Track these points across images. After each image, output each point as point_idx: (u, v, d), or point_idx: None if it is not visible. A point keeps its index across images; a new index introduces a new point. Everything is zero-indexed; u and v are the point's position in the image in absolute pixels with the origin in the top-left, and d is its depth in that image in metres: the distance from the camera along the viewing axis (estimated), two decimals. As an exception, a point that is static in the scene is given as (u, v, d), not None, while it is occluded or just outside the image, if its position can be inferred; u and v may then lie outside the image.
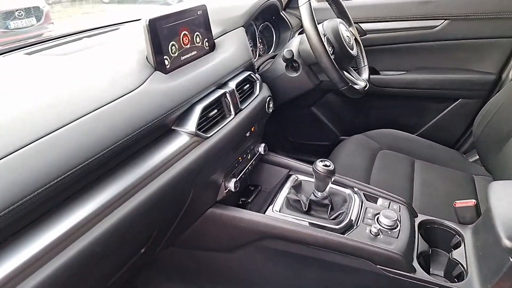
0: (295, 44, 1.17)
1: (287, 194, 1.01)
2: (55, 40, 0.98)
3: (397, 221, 0.87)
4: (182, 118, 0.79)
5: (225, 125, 0.88)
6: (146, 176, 0.66)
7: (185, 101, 0.78)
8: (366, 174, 1.27)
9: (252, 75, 1.05)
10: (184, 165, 0.73)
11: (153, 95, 0.72)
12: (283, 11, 1.45)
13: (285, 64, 1.16)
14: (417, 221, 0.93)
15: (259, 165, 1.20)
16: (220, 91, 0.88)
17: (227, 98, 0.90)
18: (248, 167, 1.06)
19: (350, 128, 1.80)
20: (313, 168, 0.90)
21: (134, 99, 0.68)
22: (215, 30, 1.06)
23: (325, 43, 1.04)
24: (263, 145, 1.13)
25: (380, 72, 1.66)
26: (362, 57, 1.31)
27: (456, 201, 0.89)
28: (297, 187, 1.05)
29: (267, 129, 1.25)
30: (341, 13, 1.27)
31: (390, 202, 0.97)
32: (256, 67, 1.25)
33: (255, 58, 1.36)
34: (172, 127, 0.78)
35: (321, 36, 1.01)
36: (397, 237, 0.84)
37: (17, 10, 4.54)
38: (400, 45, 1.56)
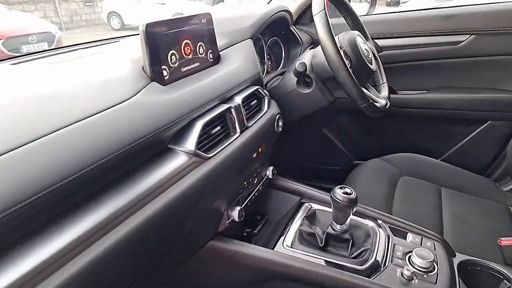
0: (307, 57, 1.10)
1: (300, 226, 0.90)
2: (48, 52, 0.91)
3: (434, 262, 0.75)
4: (180, 135, 0.70)
5: (229, 144, 0.79)
6: (134, 203, 0.56)
7: (184, 115, 0.69)
8: (387, 204, 1.16)
9: (260, 90, 0.97)
10: (180, 190, 0.64)
11: (146, 107, 0.64)
12: (293, 26, 1.39)
13: (296, 79, 1.08)
14: (456, 261, 0.81)
15: (266, 191, 1.09)
16: (225, 106, 0.80)
17: (232, 114, 0.82)
18: (255, 193, 0.96)
19: (364, 152, 1.70)
20: (331, 196, 0.80)
21: (123, 111, 0.60)
22: (220, 42, 0.99)
23: (343, 55, 0.96)
24: (271, 168, 1.03)
25: (397, 92, 1.58)
26: (381, 73, 1.23)
27: (501, 239, 0.77)
28: (311, 217, 0.94)
29: (275, 153, 1.16)
30: (358, 26, 1.21)
31: (422, 238, 0.86)
32: (264, 84, 1.18)
33: (262, 74, 1.29)
34: (169, 146, 0.69)
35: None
36: (435, 283, 0.72)
37: (30, 35, 4.71)
38: (420, 63, 1.49)
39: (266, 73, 1.31)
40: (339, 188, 0.81)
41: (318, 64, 1.05)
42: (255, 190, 0.97)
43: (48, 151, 0.48)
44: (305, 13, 1.56)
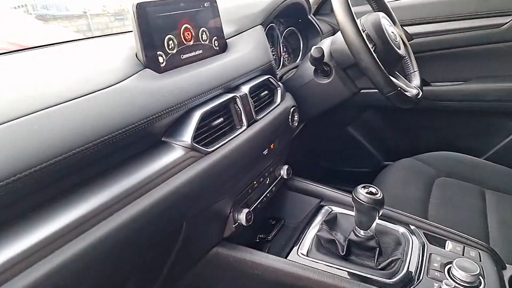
0: (326, 44, 1.00)
1: (318, 231, 0.80)
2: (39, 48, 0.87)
3: (480, 276, 0.63)
4: (176, 127, 0.62)
5: (234, 137, 0.71)
6: (117, 199, 0.49)
7: (178, 104, 0.62)
8: (422, 207, 1.03)
9: (272, 80, 0.88)
10: (173, 187, 0.56)
11: (134, 94, 0.57)
12: (311, 15, 1.30)
13: (313, 68, 0.98)
14: (507, 274, 0.68)
15: (282, 193, 1.00)
16: (229, 95, 0.72)
17: (237, 105, 0.74)
18: (267, 195, 0.87)
19: (395, 152, 1.57)
20: (353, 196, 0.69)
21: (107, 96, 0.53)
22: (228, 29, 0.92)
23: (365, 38, 0.86)
24: (286, 167, 0.93)
25: (431, 83, 1.44)
26: (411, 60, 1.11)
27: None
28: (331, 222, 0.84)
29: (293, 153, 1.06)
30: (383, 9, 1.10)
31: (464, 247, 0.73)
32: (278, 76, 1.09)
33: (278, 68, 1.20)
34: (163, 138, 0.61)
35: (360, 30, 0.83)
36: (482, 301, 0.59)
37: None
38: (455, 50, 1.34)
39: (282, 66, 1.22)
40: (362, 187, 0.70)
41: (338, 50, 0.95)
42: (267, 191, 0.87)
43: (21, 134, 0.42)
44: (326, 1, 1.46)
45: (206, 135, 0.67)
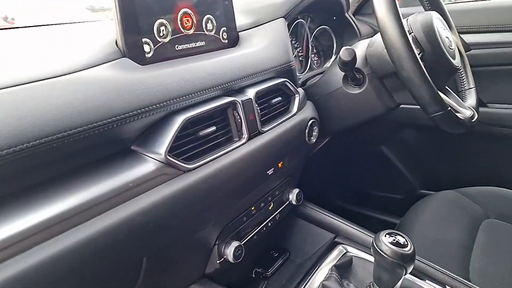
0: (361, 47, 0.84)
1: (325, 279, 0.64)
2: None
3: None
4: (149, 133, 0.50)
5: (227, 152, 0.57)
6: (56, 220, 0.37)
7: (156, 104, 0.49)
8: (463, 256, 0.85)
9: (289, 85, 0.74)
10: (128, 213, 0.43)
11: (99, 86, 0.45)
12: (349, 14, 1.14)
13: (343, 74, 0.82)
14: None
15: (291, 220, 0.85)
16: (226, 99, 0.59)
17: (237, 112, 0.60)
18: (267, 224, 0.72)
19: (435, 180, 1.37)
20: (373, 245, 0.53)
21: (61, 85, 0.42)
22: (245, 21, 0.79)
23: (411, 42, 0.69)
24: (296, 191, 0.78)
25: (487, 104, 1.23)
26: (467, 75, 0.92)
27: None
28: (344, 268, 0.68)
29: (311, 172, 0.90)
30: (438, 10, 0.92)
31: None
32: (301, 81, 0.94)
33: (304, 71, 1.05)
34: (132, 147, 0.49)
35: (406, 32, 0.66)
36: None
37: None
38: (522, 66, 1.13)
39: (308, 69, 1.07)
40: (387, 234, 0.54)
41: (374, 54, 0.79)
42: (269, 219, 0.73)
43: None
44: (368, 0, 1.29)
45: (190, 147, 0.54)
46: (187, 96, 0.53)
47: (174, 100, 0.52)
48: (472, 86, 0.91)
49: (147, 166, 0.48)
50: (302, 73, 1.04)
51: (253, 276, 0.77)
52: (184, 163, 0.51)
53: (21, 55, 0.49)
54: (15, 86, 0.39)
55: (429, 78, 0.66)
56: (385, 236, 0.54)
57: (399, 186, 1.44)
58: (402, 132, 1.38)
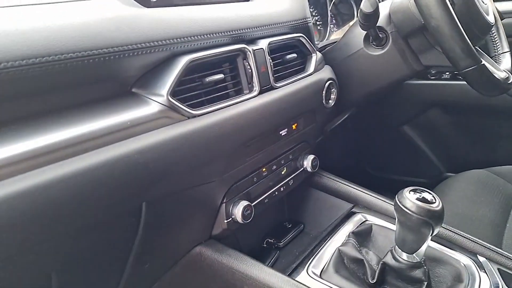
0: (384, 4, 0.78)
1: (342, 245, 0.59)
2: None
3: None
4: (151, 74, 0.47)
5: (237, 103, 0.53)
6: (48, 150, 0.35)
7: (158, 40, 0.46)
8: (495, 234, 0.78)
9: (305, 42, 0.69)
10: (128, 150, 0.40)
11: (98, 16, 0.42)
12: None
13: (364, 34, 0.77)
14: None
15: (306, 191, 0.80)
16: (236, 46, 0.55)
17: (248, 62, 0.56)
18: (280, 188, 0.68)
19: (463, 163, 1.29)
20: (396, 202, 0.48)
21: (56, 10, 0.40)
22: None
23: None
24: (311, 157, 0.73)
25: (522, 78, 1.14)
26: (501, 39, 0.85)
27: None
28: (363, 235, 0.63)
29: (332, 154, 0.85)
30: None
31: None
32: (319, 47, 0.89)
33: (322, 39, 1.00)
34: (133, 89, 0.46)
35: None
36: None
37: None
38: None
39: (327, 37, 1.02)
40: (412, 190, 0.49)
41: (399, 10, 0.73)
42: (282, 184, 0.68)
43: None
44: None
45: (196, 93, 0.50)
46: (191, 38, 0.50)
47: (177, 39, 0.48)
48: (506, 50, 0.84)
49: (148, 108, 0.44)
50: (320, 41, 0.99)
51: (265, 245, 0.73)
52: (189, 108, 0.47)
53: None
54: (5, 7, 0.36)
55: (461, 28, 0.60)
56: (410, 192, 0.49)
57: (423, 170, 1.36)
58: (427, 111, 1.30)
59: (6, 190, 0.31)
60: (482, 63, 0.63)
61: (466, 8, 0.68)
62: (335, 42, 0.95)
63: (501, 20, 1.09)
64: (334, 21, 1.09)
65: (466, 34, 0.69)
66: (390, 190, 1.39)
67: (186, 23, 0.50)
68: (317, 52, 0.81)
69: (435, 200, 0.48)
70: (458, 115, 1.27)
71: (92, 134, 0.38)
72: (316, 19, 1.01)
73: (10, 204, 0.32)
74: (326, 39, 1.01)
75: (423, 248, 0.51)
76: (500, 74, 0.73)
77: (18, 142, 0.34)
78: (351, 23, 1.08)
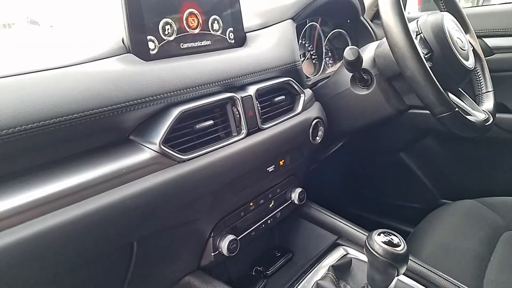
0: (370, 48, 0.83)
1: (321, 278, 0.64)
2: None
3: None
4: (147, 124, 0.53)
5: (224, 146, 0.59)
6: (48, 199, 0.41)
7: (153, 96, 0.52)
8: (479, 267, 0.81)
9: (293, 84, 0.75)
10: (121, 196, 0.46)
11: (99, 77, 0.48)
12: (365, 17, 1.13)
13: (350, 75, 0.82)
14: None
15: (295, 220, 0.85)
16: (225, 95, 0.60)
17: (236, 108, 0.62)
18: (267, 221, 0.73)
19: (457, 190, 1.31)
20: (365, 244, 0.53)
21: (63, 76, 0.46)
22: (253, 22, 0.82)
23: (416, 42, 0.69)
24: (298, 190, 0.78)
25: (513, 110, 1.17)
26: (485, 78, 0.89)
27: None
28: (342, 269, 0.67)
29: (328, 179, 0.90)
30: (453, 13, 0.89)
31: None
32: (312, 82, 0.95)
33: (317, 73, 1.06)
34: (130, 136, 0.52)
35: (411, 32, 0.66)
36: None
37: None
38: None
39: (322, 71, 1.07)
40: (381, 233, 0.53)
41: (382, 55, 0.78)
42: (269, 216, 0.73)
43: None
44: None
45: (187, 139, 0.56)
46: (185, 90, 0.56)
47: (172, 93, 0.54)
48: (490, 89, 0.88)
49: (142, 155, 0.50)
50: (314, 75, 1.05)
51: (253, 274, 0.78)
52: (179, 154, 0.53)
53: (35, 49, 0.54)
54: (19, 74, 0.42)
55: (434, 77, 0.65)
56: (378, 235, 0.53)
57: (418, 195, 1.39)
58: (423, 139, 1.33)
59: (13, 237, 0.37)
60: (456, 109, 0.67)
61: (444, 56, 0.73)
62: (329, 77, 1.01)
63: (491, 55, 1.14)
64: (330, 54, 1.15)
65: (445, 79, 0.74)
66: (387, 213, 1.43)
67: (180, 78, 0.56)
68: (308, 89, 0.86)
69: (401, 243, 0.52)
70: (453, 144, 1.31)
71: (90, 182, 0.44)
72: (312, 53, 1.07)
73: (16, 249, 0.37)
74: (321, 73, 1.07)
75: (392, 285, 0.55)
76: (479, 116, 0.78)
77: (22, 193, 0.39)
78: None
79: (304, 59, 1.04)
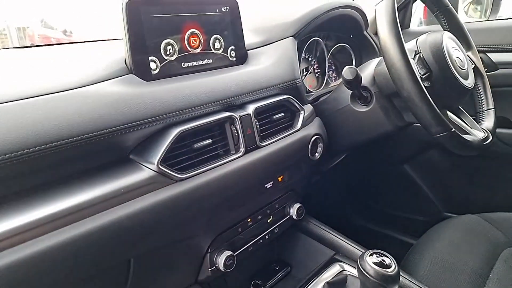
0: (371, 66, 0.84)
1: (316, 295, 0.65)
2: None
3: None
4: (146, 144, 0.54)
5: (222, 164, 0.60)
6: (47, 220, 0.43)
7: (152, 117, 0.54)
8: (475, 284, 0.80)
9: (293, 101, 0.76)
10: (119, 216, 0.48)
11: (102, 100, 0.51)
12: (368, 32, 1.14)
13: (350, 92, 0.83)
14: None
15: (294, 234, 0.86)
16: (224, 114, 0.62)
17: (235, 126, 0.63)
18: (265, 236, 0.74)
19: (461, 203, 1.30)
20: (358, 264, 0.54)
21: (65, 100, 0.48)
22: (255, 39, 0.83)
23: (413, 62, 0.69)
24: (297, 206, 0.79)
25: (518, 126, 1.16)
26: (486, 96, 0.89)
27: None
28: (337, 286, 0.67)
29: (330, 185, 0.91)
30: (456, 30, 0.90)
31: None
32: (314, 97, 0.96)
33: (320, 87, 1.07)
34: (130, 156, 0.54)
35: (407, 51, 0.67)
36: None
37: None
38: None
39: (324, 85, 1.08)
40: (373, 253, 0.54)
41: (381, 74, 0.79)
42: (267, 231, 0.74)
43: None
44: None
45: (186, 158, 0.57)
46: (183, 111, 0.57)
47: (171, 113, 0.56)
48: (490, 107, 0.88)
49: (140, 174, 0.52)
50: (317, 89, 1.06)
51: (252, 287, 0.79)
52: (176, 173, 0.54)
53: (37, 71, 0.55)
54: (21, 99, 0.44)
55: (430, 99, 0.66)
56: (371, 255, 0.54)
57: (422, 207, 1.38)
58: (427, 151, 1.33)
59: (12, 257, 0.39)
60: (452, 130, 0.67)
61: (442, 75, 0.74)
62: (331, 91, 1.02)
63: (495, 70, 1.14)
64: (333, 67, 1.16)
65: (443, 98, 0.75)
66: (391, 224, 1.42)
67: (179, 99, 0.58)
68: (309, 104, 0.88)
69: (392, 264, 0.53)
70: (457, 157, 1.30)
71: (88, 202, 0.46)
72: (315, 67, 1.08)
73: (15, 269, 0.39)
74: (324, 86, 1.08)
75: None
76: (477, 135, 0.78)
77: (22, 214, 0.41)
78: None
79: (307, 73, 1.05)
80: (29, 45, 0.86)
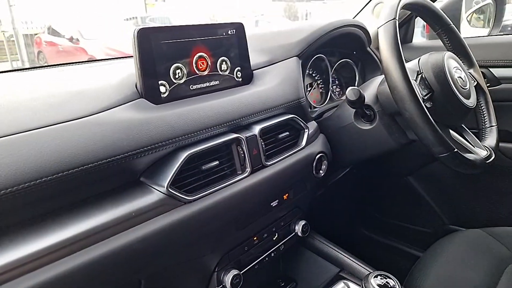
0: (374, 84, 0.86)
1: (321, 314, 0.66)
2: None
3: None
4: (156, 167, 0.56)
5: (229, 185, 0.62)
6: (61, 246, 0.44)
7: (162, 142, 0.56)
8: (479, 303, 0.80)
9: (298, 120, 0.77)
10: (130, 239, 0.49)
11: (113, 126, 0.52)
12: (371, 48, 1.16)
13: (354, 110, 0.85)
14: None
15: (299, 250, 0.87)
16: (230, 136, 0.64)
17: (241, 147, 0.65)
18: (271, 254, 0.75)
19: (467, 216, 1.31)
20: (362, 284, 0.55)
21: (78, 128, 0.50)
22: (259, 59, 0.85)
23: (415, 83, 0.71)
24: (302, 222, 0.80)
25: (522, 140, 1.17)
26: (489, 113, 0.90)
27: None
28: (342, 304, 0.68)
29: (339, 199, 0.92)
30: (457, 48, 0.91)
31: None
32: (319, 112, 0.97)
33: (324, 103, 1.08)
34: (141, 178, 0.55)
35: (408, 71, 0.68)
36: None
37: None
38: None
39: (328, 101, 1.10)
40: (377, 275, 0.55)
41: (384, 93, 0.81)
42: (273, 249, 0.76)
43: None
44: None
45: (194, 179, 0.59)
46: (192, 134, 0.59)
47: (180, 137, 0.58)
48: (493, 124, 0.89)
49: (150, 197, 0.53)
50: (321, 104, 1.08)
51: (258, 303, 0.80)
52: (185, 195, 0.56)
53: (47, 97, 0.56)
54: (41, 127, 0.47)
55: (432, 120, 0.67)
56: (375, 277, 0.55)
57: (427, 220, 1.39)
58: (431, 164, 1.34)
59: (27, 283, 0.40)
60: (455, 150, 0.69)
61: (444, 96, 0.75)
62: (336, 106, 1.03)
63: (498, 85, 1.15)
64: (337, 82, 1.17)
65: (445, 117, 0.76)
66: (397, 236, 1.42)
67: (187, 123, 0.60)
68: (314, 121, 0.89)
69: (396, 286, 0.54)
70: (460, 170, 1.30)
71: (101, 227, 0.47)
72: (319, 82, 1.10)
73: None
74: (329, 101, 1.09)
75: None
76: (480, 153, 0.79)
77: (36, 241, 0.42)
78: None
79: (311, 89, 1.07)
80: (39, 64, 0.88)
